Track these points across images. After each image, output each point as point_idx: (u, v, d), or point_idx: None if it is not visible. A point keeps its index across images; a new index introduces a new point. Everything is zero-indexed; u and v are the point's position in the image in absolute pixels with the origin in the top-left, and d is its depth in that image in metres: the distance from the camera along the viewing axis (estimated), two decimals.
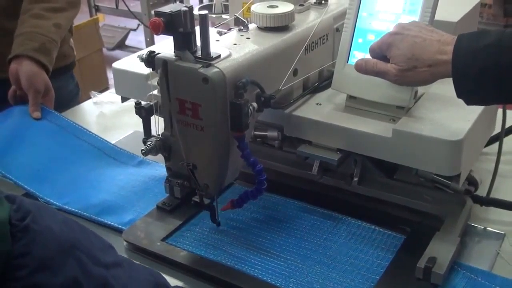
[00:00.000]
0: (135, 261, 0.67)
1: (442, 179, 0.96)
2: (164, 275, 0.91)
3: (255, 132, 1.09)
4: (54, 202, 1.10)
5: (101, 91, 1.58)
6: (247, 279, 0.91)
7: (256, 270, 0.92)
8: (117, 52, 4.46)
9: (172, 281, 0.89)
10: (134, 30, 4.71)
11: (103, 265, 0.58)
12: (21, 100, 1.35)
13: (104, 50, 4.23)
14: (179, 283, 0.91)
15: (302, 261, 0.94)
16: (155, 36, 3.24)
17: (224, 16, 1.60)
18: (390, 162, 0.96)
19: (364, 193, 1.05)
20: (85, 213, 1.07)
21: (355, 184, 1.04)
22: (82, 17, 4.07)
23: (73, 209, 1.09)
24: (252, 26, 1.02)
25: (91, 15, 4.36)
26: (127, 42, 4.72)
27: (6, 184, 1.15)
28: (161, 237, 1.00)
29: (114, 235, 1.03)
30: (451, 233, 0.93)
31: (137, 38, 4.70)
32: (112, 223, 1.05)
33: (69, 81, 1.66)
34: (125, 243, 1.01)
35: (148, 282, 0.63)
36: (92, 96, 1.55)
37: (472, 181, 1.04)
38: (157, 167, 1.19)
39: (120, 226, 1.04)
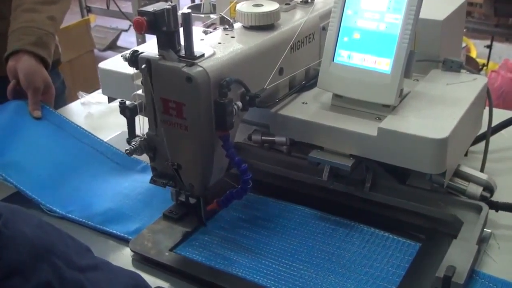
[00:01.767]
0: (136, 270, 0.66)
1: (456, 185, 0.95)
2: (173, 286, 0.90)
3: (263, 137, 1.08)
4: (57, 210, 1.08)
5: (92, 92, 1.57)
6: None
7: (269, 281, 0.89)
8: (108, 53, 4.44)
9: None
10: (126, 31, 4.69)
11: (79, 268, 0.57)
12: (20, 96, 1.31)
13: (96, 51, 4.22)
14: None
15: (315, 271, 0.91)
16: (146, 37, 3.23)
17: (212, 16, 1.59)
18: (401, 167, 0.94)
19: (376, 199, 1.02)
20: (89, 222, 1.05)
21: (366, 190, 1.02)
22: (73, 18, 4.05)
23: (77, 218, 1.06)
24: (237, 25, 1.02)
25: (82, 16, 4.35)
26: (119, 43, 4.71)
27: None
28: (169, 247, 0.97)
29: (120, 244, 1.01)
30: (468, 240, 0.90)
31: (128, 39, 4.69)
32: (118, 232, 1.02)
33: (55, 78, 1.63)
34: (131, 253, 0.98)
35: (127, 285, 0.62)
36: (80, 97, 1.54)
37: (487, 187, 1.00)
38: None
39: (126, 236, 1.01)
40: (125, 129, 0.96)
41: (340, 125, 0.96)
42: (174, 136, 0.88)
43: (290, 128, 1.01)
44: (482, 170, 1.08)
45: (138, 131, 0.96)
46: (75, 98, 1.58)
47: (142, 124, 0.95)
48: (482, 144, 1.12)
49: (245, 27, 1.01)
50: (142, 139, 0.93)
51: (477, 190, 0.99)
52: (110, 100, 1.23)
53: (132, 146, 0.92)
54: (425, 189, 1.00)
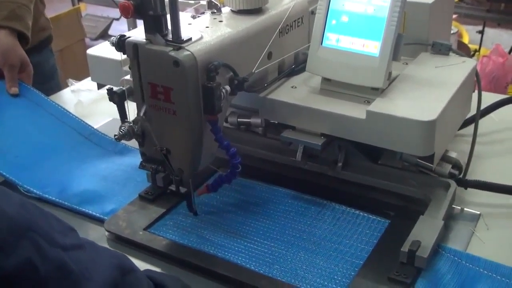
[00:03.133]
0: (99, 244, 0.67)
1: (426, 163, 0.96)
2: (147, 265, 0.91)
3: (239, 119, 1.09)
4: (35, 190, 1.09)
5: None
6: (230, 267, 0.90)
7: (240, 258, 0.92)
8: (100, 42, 4.40)
9: (154, 269, 0.89)
10: (117, 19, 4.66)
11: (61, 247, 0.57)
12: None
13: (87, 40, 4.19)
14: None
15: (286, 248, 0.93)
16: (138, 25, 3.21)
17: (203, 2, 1.58)
18: (374, 147, 0.95)
19: (348, 178, 1.04)
20: (66, 203, 1.06)
21: (339, 169, 1.04)
22: (64, 7, 4.03)
23: (53, 198, 1.07)
24: (225, 9, 1.01)
25: (73, 5, 4.31)
26: (110, 32, 4.68)
27: None
28: (143, 226, 0.99)
29: (96, 225, 1.02)
30: (435, 216, 0.93)
31: (120, 27, 4.66)
32: (93, 213, 1.03)
33: (49, 55, 1.63)
34: (106, 233, 0.99)
35: (112, 265, 0.62)
36: (70, 84, 1.53)
37: (456, 165, 1.03)
38: (139, 154, 1.17)
39: (101, 216, 1.02)
40: (116, 116, 0.96)
41: (329, 109, 0.96)
42: (162, 121, 0.88)
43: (279, 112, 1.01)
44: (471, 153, 1.08)
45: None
46: (66, 86, 1.57)
47: (130, 110, 0.95)
48: (471, 127, 1.12)
49: (233, 11, 1.00)
50: (131, 124, 0.92)
51: (446, 168, 1.01)
52: (100, 86, 1.23)
53: (121, 132, 0.92)
54: (396, 167, 1.02)
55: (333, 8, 0.98)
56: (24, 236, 0.54)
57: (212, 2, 1.00)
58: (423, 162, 0.96)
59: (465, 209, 1.02)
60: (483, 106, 1.14)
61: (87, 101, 1.48)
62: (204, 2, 1.45)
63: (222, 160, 0.97)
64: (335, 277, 0.88)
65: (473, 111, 1.13)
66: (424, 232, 0.89)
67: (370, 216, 1.00)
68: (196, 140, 0.89)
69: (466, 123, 1.15)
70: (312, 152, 1.03)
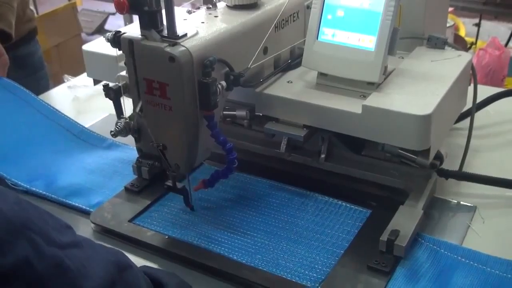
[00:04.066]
0: (96, 242, 0.67)
1: (408, 154, 0.97)
2: (132, 256, 0.91)
3: (224, 112, 1.09)
4: (22, 184, 1.09)
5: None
6: (213, 257, 0.91)
7: (223, 248, 0.93)
8: (96, 37, 4.38)
9: (140, 261, 0.90)
10: (113, 14, 4.66)
11: (58, 245, 0.57)
12: None
13: (83, 35, 4.18)
14: (147, 264, 0.90)
15: (268, 238, 0.95)
16: (134, 19, 3.20)
17: None
18: (357, 138, 0.96)
19: (331, 169, 1.06)
20: (52, 195, 1.07)
21: (322, 160, 1.05)
22: (59, 2, 4.01)
23: (40, 191, 1.08)
24: (221, 4, 1.01)
25: (69, 0, 4.30)
26: (106, 27, 4.68)
27: None
28: (128, 218, 1.00)
29: (82, 217, 1.03)
30: (415, 206, 0.95)
31: (116, 22, 4.65)
32: (80, 205, 1.04)
33: (37, 46, 1.63)
34: (92, 225, 1.00)
35: (109, 261, 0.62)
36: (66, 80, 1.53)
37: (437, 155, 1.04)
38: (127, 149, 1.19)
39: (87, 208, 1.03)
40: (112, 111, 0.97)
41: (325, 104, 0.96)
42: (158, 117, 0.88)
43: (275, 107, 1.01)
44: (467, 147, 1.09)
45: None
46: (62, 81, 1.57)
47: (126, 106, 0.95)
48: (467, 121, 1.13)
49: (228, 6, 1.00)
50: (127, 120, 0.93)
51: None
52: (96, 82, 1.23)
53: (117, 128, 0.92)
54: (378, 158, 1.03)
55: (328, 2, 0.98)
56: (21, 235, 0.54)
57: None
58: (404, 153, 0.96)
59: (462, 202, 1.03)
60: (479, 100, 1.14)
61: (83, 97, 1.48)
62: None
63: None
64: (316, 266, 0.89)
65: (469, 104, 1.13)
66: (404, 221, 0.91)
67: (352, 206, 1.01)
68: (192, 136, 0.89)
69: (462, 117, 1.15)
70: (296, 144, 1.04)
